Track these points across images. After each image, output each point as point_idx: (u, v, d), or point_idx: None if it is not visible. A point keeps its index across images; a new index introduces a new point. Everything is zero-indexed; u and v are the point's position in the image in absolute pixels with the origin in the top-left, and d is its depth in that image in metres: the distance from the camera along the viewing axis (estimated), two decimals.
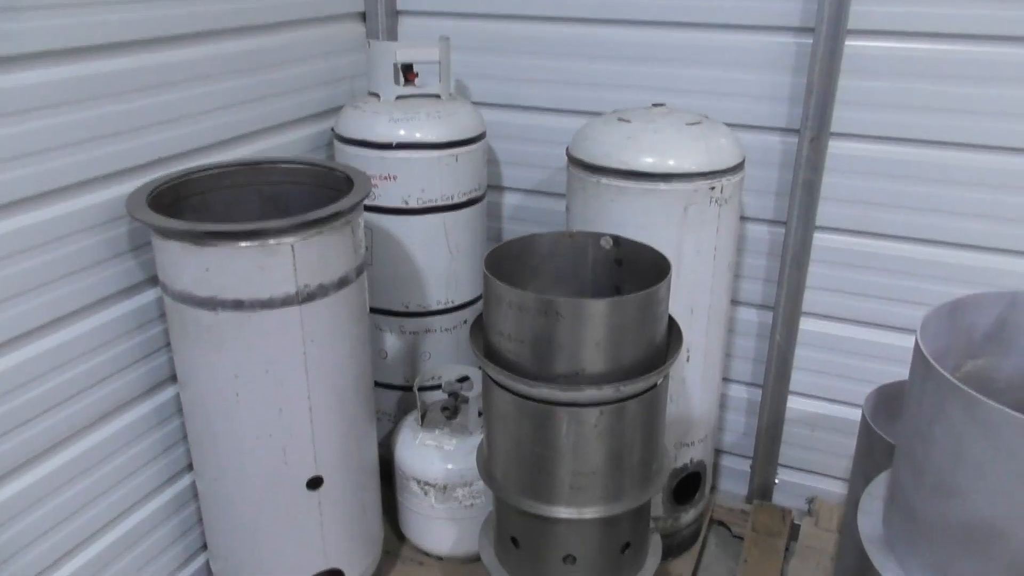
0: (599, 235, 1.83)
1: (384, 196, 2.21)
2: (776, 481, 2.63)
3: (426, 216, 2.25)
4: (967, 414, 0.98)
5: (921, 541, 1.09)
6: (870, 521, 1.20)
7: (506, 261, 1.74)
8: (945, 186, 2.13)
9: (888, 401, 1.96)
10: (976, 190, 2.10)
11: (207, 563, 2.20)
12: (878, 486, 1.28)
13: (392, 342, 2.42)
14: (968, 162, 2.09)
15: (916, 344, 1.09)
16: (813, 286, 2.37)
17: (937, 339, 1.14)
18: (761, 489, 2.63)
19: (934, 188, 2.14)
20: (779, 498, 2.64)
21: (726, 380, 2.58)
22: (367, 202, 2.16)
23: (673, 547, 2.35)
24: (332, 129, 2.31)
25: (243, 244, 1.60)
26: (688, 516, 2.34)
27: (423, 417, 2.27)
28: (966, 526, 1.00)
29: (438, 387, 2.35)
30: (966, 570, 1.02)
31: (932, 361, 1.02)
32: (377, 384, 2.40)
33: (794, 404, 2.52)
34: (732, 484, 2.73)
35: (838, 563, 2.08)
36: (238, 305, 1.64)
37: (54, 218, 1.66)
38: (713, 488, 2.68)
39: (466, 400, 2.25)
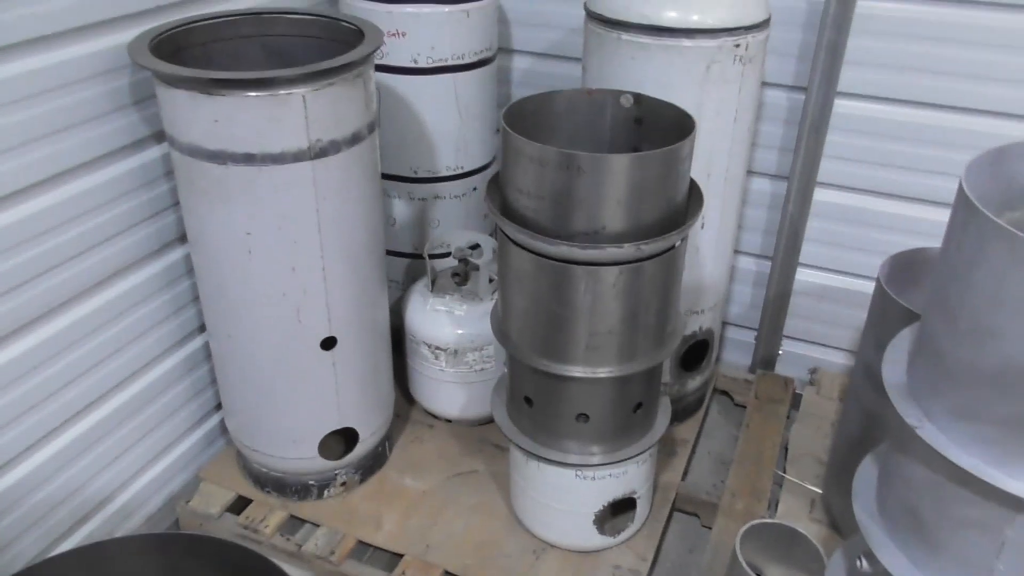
0: (619, 92, 1.77)
1: (392, 54, 2.12)
2: (780, 352, 2.66)
3: (436, 76, 2.17)
4: (1009, 255, 0.96)
5: (948, 386, 1.09)
6: (894, 370, 1.21)
7: (522, 118, 1.68)
8: (980, 49, 2.04)
9: (904, 268, 1.95)
10: (1015, 54, 2.02)
11: (221, 422, 2.24)
12: (902, 340, 1.28)
13: (400, 209, 2.38)
14: (1007, 23, 2.00)
15: (960, 188, 1.06)
16: (830, 155, 2.32)
17: (978, 187, 1.11)
18: (765, 360, 2.67)
19: (967, 51, 2.06)
20: (782, 368, 2.68)
21: (736, 252, 2.56)
22: (375, 61, 2.07)
23: (678, 412, 2.39)
24: None
25: (252, 94, 1.53)
26: (694, 383, 2.38)
27: (433, 283, 2.26)
28: (1001, 368, 1.00)
29: (447, 255, 2.33)
30: (997, 413, 1.03)
31: (976, 203, 0.99)
32: (386, 252, 2.37)
33: (802, 276, 2.52)
34: (736, 355, 2.76)
35: (840, 429, 2.13)
36: (249, 159, 1.59)
37: (50, 66, 1.58)
38: (717, 359, 2.72)
39: (476, 267, 2.24)
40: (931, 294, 1.15)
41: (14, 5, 1.48)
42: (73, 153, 1.67)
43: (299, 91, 1.56)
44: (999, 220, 0.99)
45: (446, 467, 2.23)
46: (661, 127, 1.71)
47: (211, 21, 1.81)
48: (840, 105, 2.25)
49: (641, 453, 1.87)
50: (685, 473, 2.29)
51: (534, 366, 1.74)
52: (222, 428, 2.26)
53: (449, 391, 2.27)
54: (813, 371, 2.63)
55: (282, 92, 1.55)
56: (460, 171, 2.35)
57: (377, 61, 2.11)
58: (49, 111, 1.60)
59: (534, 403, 1.82)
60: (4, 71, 1.50)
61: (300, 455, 2.01)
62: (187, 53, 1.77)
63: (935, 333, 1.11)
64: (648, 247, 1.57)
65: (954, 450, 1.08)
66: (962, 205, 1.04)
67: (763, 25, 1.91)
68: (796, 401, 2.57)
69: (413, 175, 2.32)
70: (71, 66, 1.62)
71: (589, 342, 1.67)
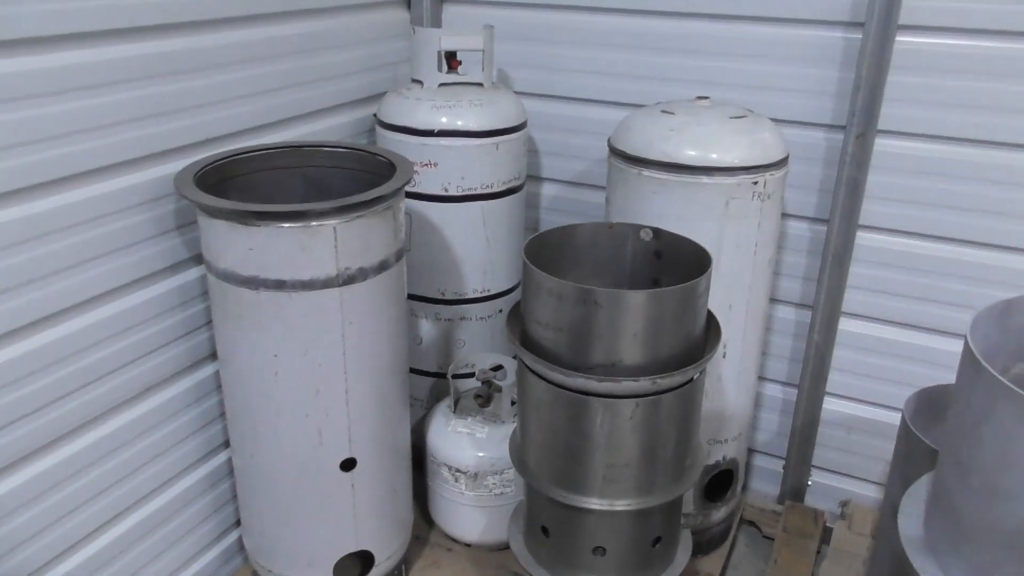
0: (639, 227, 1.82)
1: (424, 183, 2.22)
2: (809, 483, 2.60)
3: (465, 204, 2.25)
4: (1017, 416, 0.96)
5: (964, 544, 1.07)
6: (911, 523, 1.19)
7: (545, 250, 1.74)
8: (995, 187, 2.08)
9: (929, 404, 1.93)
10: None
11: (239, 539, 2.24)
12: (919, 488, 1.26)
13: (427, 328, 2.43)
14: (1019, 162, 2.04)
15: (966, 344, 1.07)
16: (854, 286, 2.33)
17: (987, 340, 1.12)
18: (793, 490, 2.60)
19: (983, 189, 2.10)
20: (811, 500, 2.61)
21: (761, 379, 2.55)
22: (407, 188, 2.17)
23: (703, 544, 2.33)
24: (374, 115, 2.32)
25: (286, 225, 1.61)
26: (719, 514, 2.33)
27: (456, 404, 2.27)
28: (1013, 530, 0.98)
29: (471, 375, 2.36)
30: (1011, 575, 1.00)
31: (982, 361, 1.00)
32: (411, 370, 2.41)
33: (830, 405, 2.49)
34: (764, 484, 2.70)
35: (872, 568, 2.05)
36: (280, 285, 1.66)
37: (103, 195, 1.69)
38: (744, 487, 2.66)
39: (499, 389, 2.26)
40: (944, 447, 1.14)
41: (78, 140, 1.60)
42: (119, 274, 1.76)
43: (330, 223, 1.64)
44: (1006, 377, 0.99)
45: None
46: (680, 261, 1.75)
47: (253, 153, 1.93)
48: (863, 238, 2.28)
49: None
50: None
51: (551, 496, 1.72)
52: (239, 545, 2.25)
53: (468, 515, 2.24)
54: (844, 504, 2.55)
55: (314, 223, 1.63)
56: (487, 294, 2.41)
57: (409, 189, 2.20)
58: (99, 235, 1.69)
59: (551, 533, 1.80)
60: (60, 200, 1.61)
61: None
62: (231, 183, 1.87)
63: (950, 488, 1.10)
64: (665, 381, 1.58)
65: None
66: (968, 361, 1.04)
67: (781, 164, 1.98)
68: (827, 535, 2.49)
69: (440, 296, 2.38)
70: (122, 195, 1.72)
71: (606, 474, 1.66)
